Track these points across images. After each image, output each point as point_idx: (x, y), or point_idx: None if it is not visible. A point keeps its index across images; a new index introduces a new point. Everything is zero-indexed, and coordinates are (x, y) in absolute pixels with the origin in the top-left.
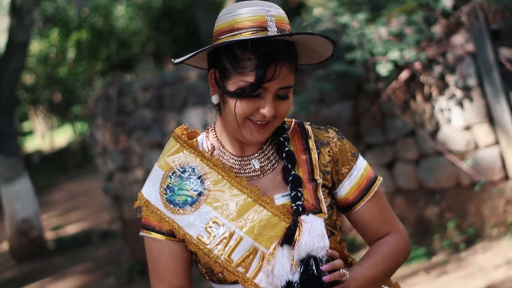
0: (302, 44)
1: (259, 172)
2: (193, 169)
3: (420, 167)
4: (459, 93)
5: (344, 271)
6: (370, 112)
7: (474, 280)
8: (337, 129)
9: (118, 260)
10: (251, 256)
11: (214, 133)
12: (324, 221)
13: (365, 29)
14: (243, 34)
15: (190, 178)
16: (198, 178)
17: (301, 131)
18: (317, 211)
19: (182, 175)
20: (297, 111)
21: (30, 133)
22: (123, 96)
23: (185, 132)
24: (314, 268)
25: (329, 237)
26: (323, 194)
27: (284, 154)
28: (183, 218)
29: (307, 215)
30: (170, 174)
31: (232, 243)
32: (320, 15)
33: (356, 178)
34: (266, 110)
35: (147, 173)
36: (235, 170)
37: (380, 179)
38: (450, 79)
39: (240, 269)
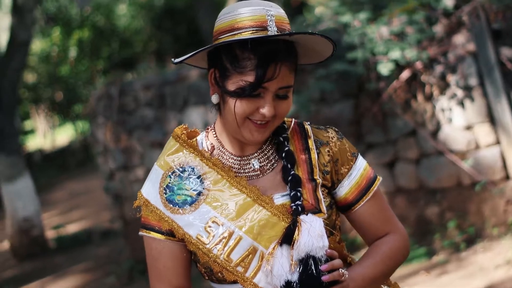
0: (302, 44)
1: (258, 172)
2: (193, 168)
3: (421, 166)
4: (460, 93)
5: (343, 271)
6: (371, 112)
7: (475, 280)
8: (336, 129)
9: (119, 259)
10: (250, 255)
11: (213, 132)
12: (323, 221)
13: (366, 28)
14: (243, 33)
15: (190, 177)
16: (198, 177)
17: (300, 131)
18: (316, 211)
19: (181, 174)
20: (298, 110)
21: (32, 131)
22: (124, 95)
23: (185, 131)
24: (313, 268)
25: (328, 237)
26: (323, 194)
27: (283, 154)
28: (182, 217)
29: (307, 215)
30: (170, 173)
31: (231, 242)
32: (321, 14)
33: (355, 178)
34: (266, 110)
35: (148, 172)
36: (234, 169)
37: (379, 179)
38: (451, 78)
39: (239, 268)
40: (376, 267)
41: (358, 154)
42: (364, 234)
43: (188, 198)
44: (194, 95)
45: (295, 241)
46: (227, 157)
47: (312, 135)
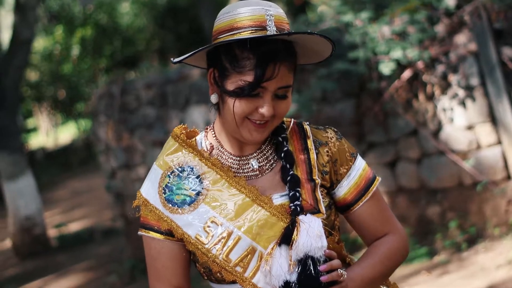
0: (301, 44)
1: (257, 172)
2: (192, 168)
3: (422, 166)
4: (461, 93)
5: (341, 271)
6: (372, 111)
7: (476, 280)
8: (335, 129)
9: (121, 258)
10: (249, 256)
11: (213, 132)
12: (322, 221)
13: (368, 28)
14: (242, 33)
15: (189, 177)
16: (197, 177)
17: (299, 131)
18: (315, 211)
19: (180, 174)
20: (300, 109)
21: (34, 130)
22: (126, 94)
23: (184, 131)
24: (311, 268)
25: (327, 237)
26: (322, 194)
27: (282, 154)
28: (181, 217)
29: (305, 215)
30: (169, 173)
31: (230, 242)
32: (323, 13)
33: (354, 178)
34: (265, 110)
35: (149, 171)
36: (233, 169)
37: (378, 179)
38: (453, 78)
39: (238, 268)
40: (375, 267)
41: (357, 155)
42: (363, 234)
43: (187, 198)
44: (196, 94)
45: (294, 242)
46: (226, 157)
47: (311, 135)
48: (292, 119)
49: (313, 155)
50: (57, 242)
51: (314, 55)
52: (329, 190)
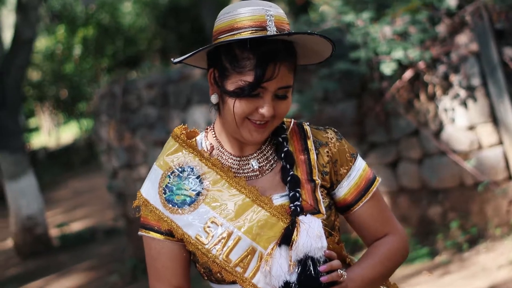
0: (302, 44)
1: (257, 172)
2: (192, 168)
3: (424, 166)
4: (463, 93)
5: (341, 271)
6: (374, 111)
7: (477, 280)
8: (336, 130)
9: (123, 257)
10: (249, 256)
11: (213, 132)
12: (322, 221)
13: (369, 28)
14: (242, 33)
15: (189, 177)
16: (197, 177)
17: (300, 131)
18: (315, 211)
19: (181, 174)
20: (301, 109)
21: (36, 129)
22: (128, 94)
23: (184, 131)
24: (311, 268)
25: (327, 237)
26: (322, 195)
27: (282, 154)
28: (181, 217)
29: (305, 215)
30: (169, 173)
31: (230, 243)
32: (324, 13)
33: (354, 178)
34: (265, 110)
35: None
36: (233, 170)
37: (378, 179)
38: (454, 78)
39: (238, 269)
40: (375, 268)
41: (357, 155)
42: (363, 235)
43: (187, 198)
44: (197, 94)
45: (294, 242)
46: (226, 157)
47: (311, 135)
48: (292, 120)
49: (313, 156)
50: (59, 241)
51: (314, 56)
52: (329, 191)
